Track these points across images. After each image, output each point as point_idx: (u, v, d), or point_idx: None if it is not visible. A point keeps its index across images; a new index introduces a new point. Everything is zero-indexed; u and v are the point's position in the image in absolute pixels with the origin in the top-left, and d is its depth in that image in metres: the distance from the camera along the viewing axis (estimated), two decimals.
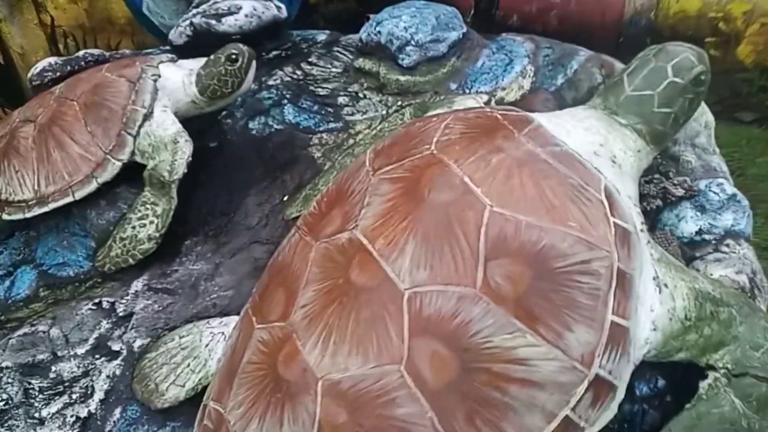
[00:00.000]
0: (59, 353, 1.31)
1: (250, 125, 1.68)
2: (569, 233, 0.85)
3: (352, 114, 1.61)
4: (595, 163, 0.94)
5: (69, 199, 1.39)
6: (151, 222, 1.37)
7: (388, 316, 0.89)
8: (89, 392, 1.25)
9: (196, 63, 1.54)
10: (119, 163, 1.39)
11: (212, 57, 1.46)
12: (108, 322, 1.36)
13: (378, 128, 1.44)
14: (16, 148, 1.46)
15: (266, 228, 1.48)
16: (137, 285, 1.41)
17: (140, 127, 1.40)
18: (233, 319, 1.24)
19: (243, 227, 1.49)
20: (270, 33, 1.90)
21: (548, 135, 0.96)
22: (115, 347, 1.31)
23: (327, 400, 0.90)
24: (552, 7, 4.56)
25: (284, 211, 1.42)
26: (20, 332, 1.34)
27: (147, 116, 1.40)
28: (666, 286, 0.92)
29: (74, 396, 1.24)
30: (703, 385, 0.95)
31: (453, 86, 1.55)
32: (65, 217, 1.51)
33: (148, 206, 1.38)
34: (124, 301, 1.39)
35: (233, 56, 1.42)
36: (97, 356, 1.31)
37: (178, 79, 1.47)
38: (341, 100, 1.66)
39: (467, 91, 1.52)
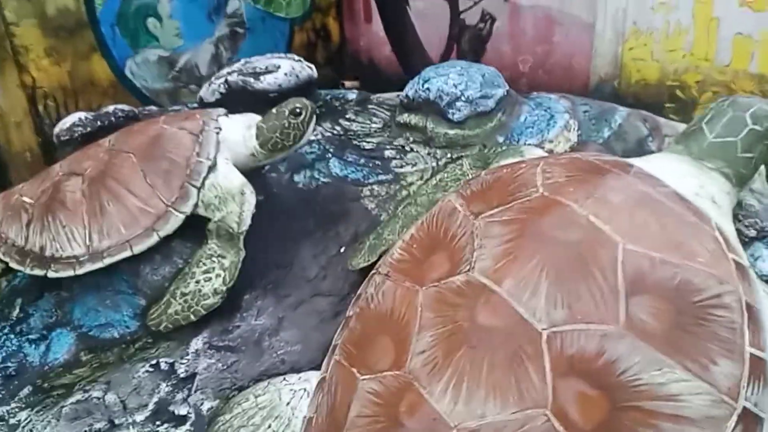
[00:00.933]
0: (117, 421, 1.21)
1: (296, 178, 1.68)
2: (700, 269, 0.88)
3: (401, 166, 1.64)
4: (699, 204, 0.99)
5: (126, 254, 1.33)
6: (218, 275, 1.31)
7: (527, 357, 0.87)
8: None
9: (245, 118, 1.54)
10: (182, 216, 1.35)
11: (274, 111, 1.47)
12: (168, 385, 1.27)
13: (438, 178, 1.46)
14: (62, 202, 1.39)
15: (326, 280, 1.45)
16: (197, 343, 1.33)
17: (205, 178, 1.36)
18: (314, 374, 1.18)
19: (302, 280, 1.45)
20: (303, 92, 1.93)
21: (653, 177, 1.01)
22: (181, 411, 1.22)
23: None
24: (522, 75, 4.86)
25: (350, 261, 1.40)
26: (72, 399, 1.23)
27: (211, 168, 1.38)
28: None
29: None
30: None
31: (500, 139, 1.61)
32: (107, 274, 1.43)
33: (214, 259, 1.33)
34: (184, 361, 1.30)
35: (297, 110, 1.43)
36: (158, 422, 1.22)
37: (238, 132, 1.46)
38: (388, 153, 1.68)
39: (515, 143, 1.58)
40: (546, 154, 1.33)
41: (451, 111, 1.60)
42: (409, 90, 1.69)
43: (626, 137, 1.52)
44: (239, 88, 1.88)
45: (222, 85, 1.92)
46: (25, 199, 1.43)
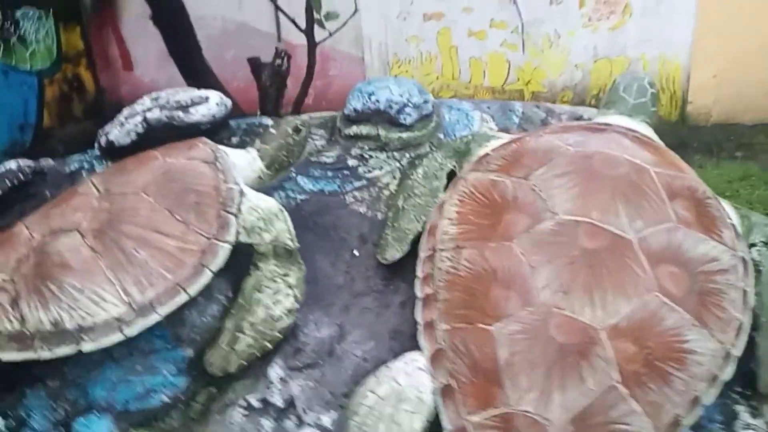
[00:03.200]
0: None
1: None
2: (692, 176, 1.32)
3: (370, 171, 1.77)
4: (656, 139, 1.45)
5: (182, 298, 1.18)
6: (287, 295, 1.27)
7: (630, 260, 1.18)
8: None
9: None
10: (229, 246, 1.25)
11: (273, 131, 1.45)
12: (272, 419, 1.19)
13: (421, 172, 1.64)
14: (63, 265, 1.16)
15: (357, 282, 1.51)
16: (276, 371, 1.27)
17: (240, 204, 1.30)
18: (412, 353, 1.26)
19: (335, 287, 1.48)
20: (226, 121, 1.90)
21: (627, 127, 1.42)
22: None
23: (615, 342, 1.11)
24: (308, 107, 5.23)
25: (383, 256, 1.48)
26: None
27: (242, 192, 1.31)
28: None
29: None
30: None
31: (441, 136, 1.89)
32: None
33: (278, 280, 1.27)
34: (274, 391, 1.23)
35: (299, 127, 1.46)
36: None
37: (240, 155, 1.41)
38: (351, 162, 1.79)
39: (453, 138, 1.87)
40: (520, 134, 1.65)
41: (402, 116, 1.81)
42: (356, 104, 1.83)
43: (532, 121, 1.96)
44: (162, 124, 1.75)
45: (139, 125, 1.74)
46: None
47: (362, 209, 1.68)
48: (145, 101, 1.81)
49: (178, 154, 1.34)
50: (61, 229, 1.21)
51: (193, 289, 1.20)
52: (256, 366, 1.27)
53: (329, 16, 2.55)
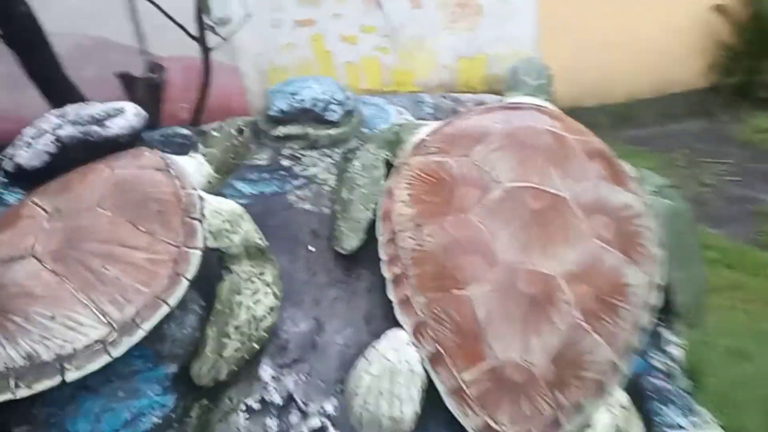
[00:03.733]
0: None
1: None
2: (604, 145, 1.54)
3: (305, 170, 1.80)
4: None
5: (165, 310, 1.13)
6: (266, 293, 1.27)
7: (570, 215, 1.36)
8: None
9: None
10: (199, 252, 1.22)
11: (216, 134, 1.43)
12: (274, 417, 1.19)
13: (359, 164, 1.70)
14: (26, 294, 1.06)
15: (318, 275, 1.54)
16: (267, 371, 1.27)
17: (202, 209, 1.27)
18: (394, 330, 1.33)
19: (301, 283, 1.50)
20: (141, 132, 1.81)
21: (541, 105, 1.63)
22: (313, 424, 1.18)
23: (571, 285, 1.29)
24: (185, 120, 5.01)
25: (341, 246, 1.52)
26: None
27: (201, 197, 1.28)
28: None
29: None
30: None
31: (365, 130, 1.97)
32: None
33: (254, 279, 1.26)
34: (271, 391, 1.23)
35: (241, 128, 1.45)
36: None
37: (187, 162, 1.37)
38: (285, 163, 1.81)
39: (375, 131, 1.97)
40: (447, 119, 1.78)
41: (327, 114, 1.86)
42: (282, 104, 1.84)
43: (443, 110, 2.12)
44: (77, 141, 1.63)
45: (51, 144, 1.61)
46: None
47: (307, 206, 1.71)
48: (51, 119, 1.68)
49: (126, 164, 1.27)
50: (12, 257, 1.09)
51: (173, 299, 1.15)
52: (244, 371, 1.26)
53: (221, 21, 2.51)
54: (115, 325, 1.08)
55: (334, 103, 1.89)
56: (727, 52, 5.73)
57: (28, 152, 1.60)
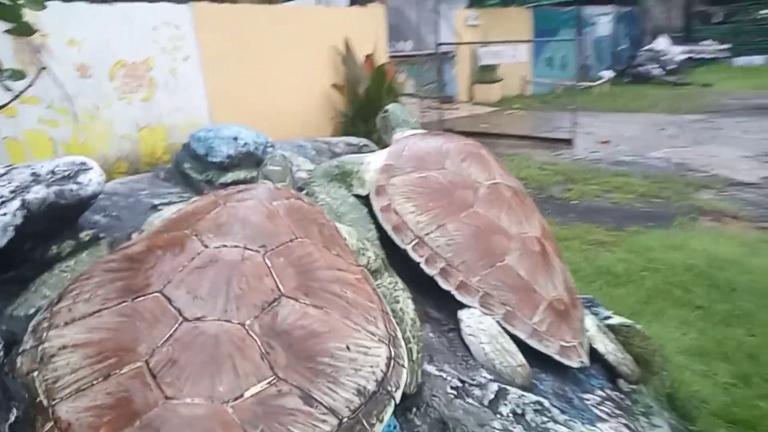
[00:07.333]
0: None
1: None
2: None
3: None
4: None
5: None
6: (406, 297, 1.34)
7: (522, 197, 1.91)
8: None
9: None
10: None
11: (276, 168, 1.34)
12: (472, 396, 1.31)
13: (326, 198, 1.79)
14: (311, 334, 0.93)
15: None
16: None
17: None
18: (464, 311, 1.60)
19: None
20: None
21: (440, 133, 2.14)
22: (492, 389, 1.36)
23: (545, 240, 1.84)
24: None
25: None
26: None
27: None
28: None
29: None
30: None
31: None
32: None
33: (396, 288, 1.31)
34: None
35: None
36: None
37: None
38: None
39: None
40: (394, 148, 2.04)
41: (266, 155, 1.85)
42: (228, 150, 1.72)
43: (323, 152, 2.31)
44: (49, 204, 1.23)
45: (17, 213, 1.16)
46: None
47: None
48: (6, 182, 1.22)
49: (265, 195, 1.14)
50: (265, 301, 0.90)
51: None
52: None
53: (14, 75, 1.95)
54: (385, 341, 1.04)
55: (266, 145, 1.91)
56: (345, 117, 7.35)
57: None
